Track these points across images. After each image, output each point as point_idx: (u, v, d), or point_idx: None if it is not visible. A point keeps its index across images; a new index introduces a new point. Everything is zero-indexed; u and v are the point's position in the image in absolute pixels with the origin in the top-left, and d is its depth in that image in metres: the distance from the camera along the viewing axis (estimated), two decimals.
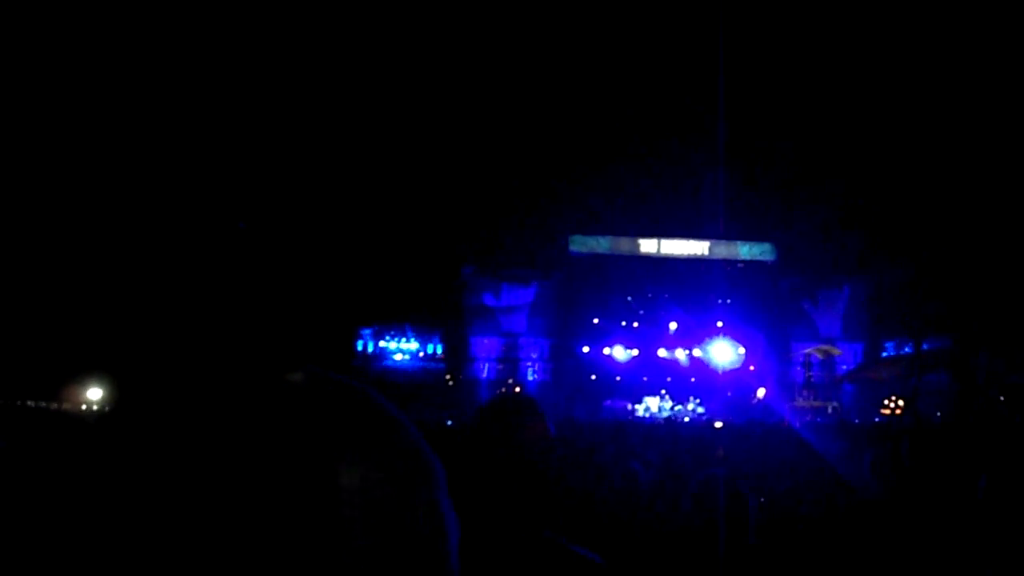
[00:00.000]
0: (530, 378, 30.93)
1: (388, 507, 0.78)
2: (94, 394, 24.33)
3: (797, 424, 17.56)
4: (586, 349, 31.77)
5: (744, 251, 32.42)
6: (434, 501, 0.83)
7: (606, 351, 31.55)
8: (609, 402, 28.66)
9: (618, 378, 30.07)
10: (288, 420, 0.77)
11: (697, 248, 32.34)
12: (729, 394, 29.54)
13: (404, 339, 31.48)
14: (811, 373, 31.07)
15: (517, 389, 26.84)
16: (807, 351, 31.04)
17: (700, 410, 28.01)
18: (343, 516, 0.75)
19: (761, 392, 29.73)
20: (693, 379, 30.16)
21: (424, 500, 0.82)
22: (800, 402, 27.96)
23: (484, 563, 2.26)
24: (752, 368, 31.43)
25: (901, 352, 29.44)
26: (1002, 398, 22.01)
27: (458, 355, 31.52)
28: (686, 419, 23.74)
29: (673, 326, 32.12)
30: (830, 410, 26.52)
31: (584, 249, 32.37)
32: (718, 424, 18.04)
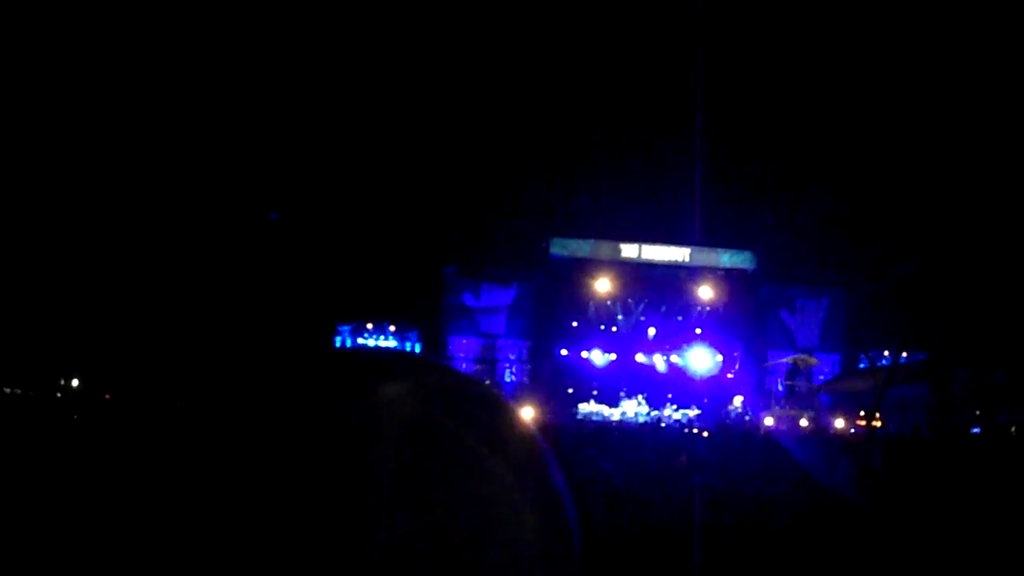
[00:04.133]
0: (508, 379, 30.89)
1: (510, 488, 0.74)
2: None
3: (775, 432, 17.63)
4: (564, 352, 31.75)
5: (724, 259, 32.47)
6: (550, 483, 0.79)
7: (584, 355, 31.56)
8: (585, 407, 28.74)
9: (595, 389, 30.03)
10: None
11: (678, 254, 32.37)
12: (706, 401, 29.60)
13: (383, 337, 31.41)
14: (795, 382, 31.15)
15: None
16: (788, 359, 31.12)
17: (677, 416, 28.05)
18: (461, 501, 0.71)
19: (738, 400, 29.80)
20: (670, 390, 30.16)
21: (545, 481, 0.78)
22: (777, 411, 28.04)
23: None
24: (730, 376, 31.51)
25: (878, 364, 29.60)
26: (977, 412, 22.15)
27: (436, 354, 31.44)
28: (662, 424, 23.80)
29: (652, 332, 32.16)
30: (806, 420, 26.58)
31: (565, 252, 32.37)
32: (695, 430, 18.09)
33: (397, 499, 0.67)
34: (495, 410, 0.79)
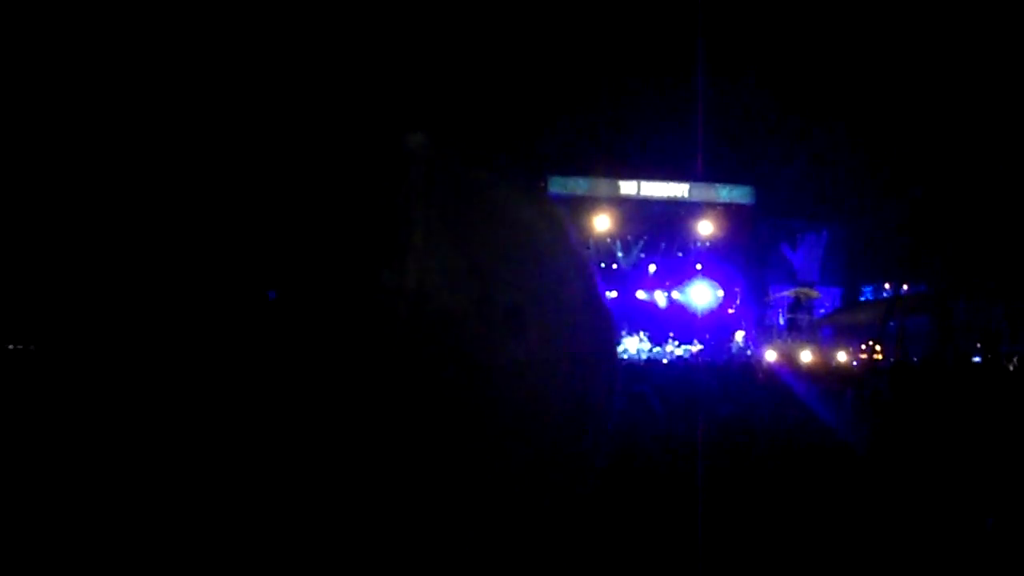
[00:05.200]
0: None
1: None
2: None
3: (777, 366, 17.66)
4: None
5: (723, 194, 32.41)
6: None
7: None
8: None
9: None
10: None
11: (676, 190, 32.30)
12: (707, 336, 29.67)
13: None
14: (795, 316, 31.25)
15: None
16: (789, 293, 31.19)
17: (679, 352, 28.11)
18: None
19: (740, 335, 29.89)
20: (672, 326, 30.19)
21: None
22: (779, 345, 28.10)
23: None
24: (731, 311, 31.58)
25: (879, 296, 29.65)
26: (978, 344, 22.21)
27: None
28: (664, 360, 23.86)
29: (652, 268, 32.19)
30: (809, 353, 26.70)
31: (563, 191, 32.25)
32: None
33: (429, 238, 0.68)
34: (534, 183, 0.79)
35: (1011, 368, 15.83)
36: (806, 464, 4.64)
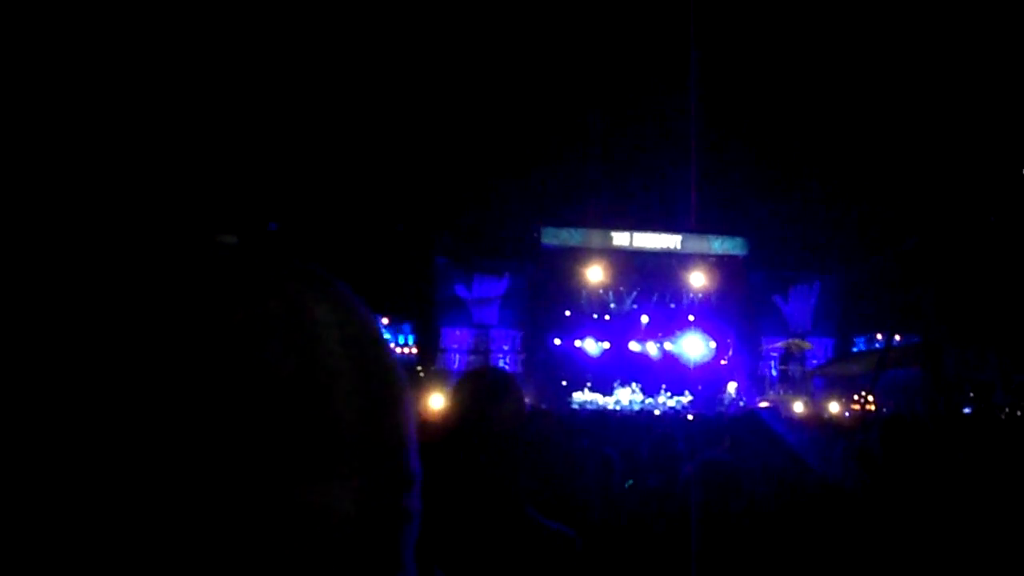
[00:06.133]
0: None
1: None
2: None
3: (769, 417, 17.58)
4: (557, 341, 31.75)
5: (716, 245, 32.50)
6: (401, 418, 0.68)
7: (577, 343, 31.57)
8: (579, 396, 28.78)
9: (589, 378, 30.02)
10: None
11: (669, 242, 32.39)
12: (700, 388, 29.63)
13: None
14: (787, 367, 31.28)
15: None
16: (781, 344, 31.22)
17: (671, 403, 28.07)
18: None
19: (732, 386, 29.85)
20: (664, 377, 30.16)
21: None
22: (771, 396, 28.07)
23: (458, 536, 2.23)
24: (723, 362, 31.56)
25: (871, 347, 29.65)
26: (972, 393, 22.20)
27: (429, 346, 31.45)
28: (656, 412, 23.82)
29: (644, 319, 32.18)
30: (801, 404, 26.66)
31: (556, 241, 32.36)
32: (690, 416, 18.07)
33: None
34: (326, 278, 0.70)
35: (1003, 418, 15.84)
36: (794, 520, 4.60)
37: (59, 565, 0.53)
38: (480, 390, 2.52)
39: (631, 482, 5.79)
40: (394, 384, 0.67)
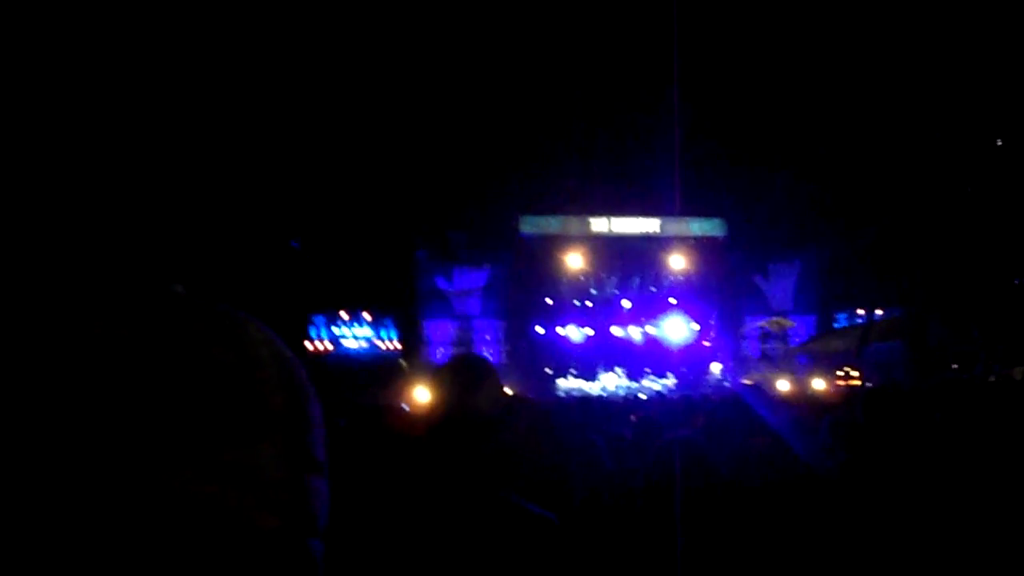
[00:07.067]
0: None
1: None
2: None
3: (753, 396, 17.61)
4: (540, 330, 31.78)
5: (694, 227, 32.54)
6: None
7: (560, 331, 31.60)
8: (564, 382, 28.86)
9: (573, 365, 30.08)
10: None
11: (648, 226, 32.43)
12: (684, 370, 29.72)
13: (357, 325, 31.33)
14: (767, 346, 31.41)
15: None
16: (764, 323, 31.33)
17: (656, 387, 28.13)
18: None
19: (716, 367, 29.94)
20: (648, 361, 30.24)
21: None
22: (755, 375, 28.14)
23: (440, 520, 2.23)
24: (706, 343, 31.66)
25: (853, 323, 29.78)
26: (955, 365, 22.31)
27: (412, 340, 31.44)
28: (642, 395, 23.85)
29: (626, 304, 32.23)
30: (786, 382, 26.76)
31: (535, 230, 32.37)
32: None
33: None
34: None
35: (990, 382, 15.91)
36: (780, 497, 4.60)
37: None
38: (458, 379, 2.52)
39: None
40: (307, 390, 0.85)
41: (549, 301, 32.17)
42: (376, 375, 26.97)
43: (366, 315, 31.52)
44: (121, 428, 0.71)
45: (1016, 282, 23.86)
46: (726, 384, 27.81)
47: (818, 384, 21.88)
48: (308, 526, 0.80)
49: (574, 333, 31.55)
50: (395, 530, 2.25)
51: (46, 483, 0.67)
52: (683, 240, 32.45)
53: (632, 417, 8.96)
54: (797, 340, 31.44)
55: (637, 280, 32.68)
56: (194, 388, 0.75)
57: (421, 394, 15.50)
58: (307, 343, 30.08)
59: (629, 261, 32.58)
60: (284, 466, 0.79)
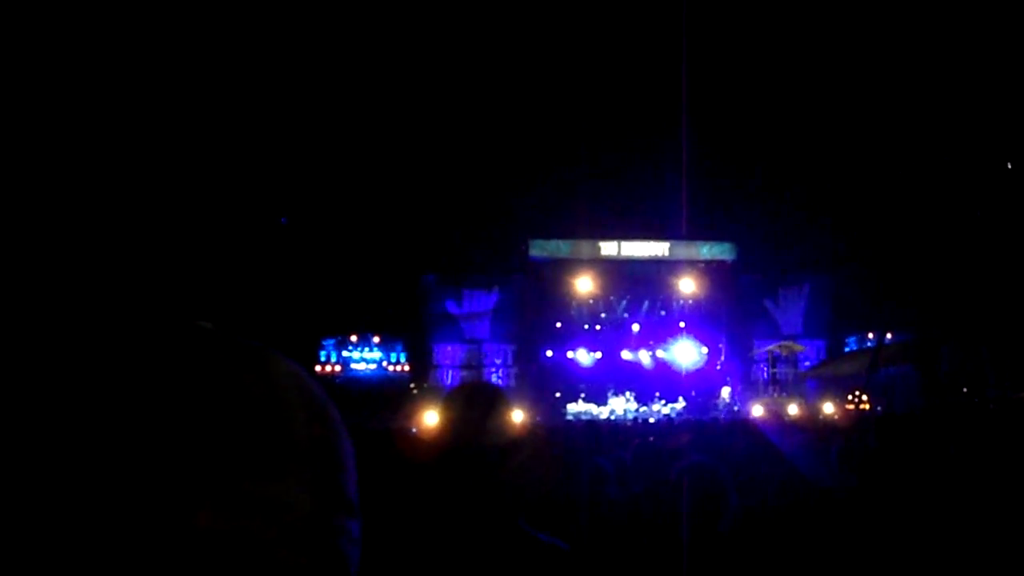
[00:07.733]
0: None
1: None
2: None
3: (762, 421, 17.59)
4: (550, 353, 31.74)
5: (704, 251, 32.53)
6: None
7: (570, 355, 31.56)
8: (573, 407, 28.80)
9: (582, 389, 30.01)
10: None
11: (657, 249, 32.42)
12: (693, 394, 29.64)
13: (367, 349, 31.32)
14: (776, 370, 31.32)
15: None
16: (770, 348, 31.24)
17: (666, 411, 28.07)
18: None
19: (725, 391, 29.85)
20: (657, 385, 30.16)
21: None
22: (765, 400, 28.07)
23: (450, 549, 2.23)
24: (716, 367, 31.57)
25: (863, 347, 29.68)
26: (965, 389, 22.22)
27: (422, 363, 31.42)
28: (651, 420, 23.80)
29: (636, 328, 32.18)
30: (796, 407, 26.68)
31: (544, 253, 32.37)
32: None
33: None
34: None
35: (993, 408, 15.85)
36: (789, 522, 4.58)
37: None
38: (468, 405, 2.51)
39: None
40: (337, 428, 0.85)
41: (558, 325, 32.15)
42: (386, 398, 26.96)
43: (376, 338, 31.52)
44: (145, 457, 0.71)
45: None
46: (736, 408, 27.73)
47: (828, 408, 21.83)
48: (337, 567, 0.79)
49: (584, 357, 31.50)
50: (405, 558, 2.24)
51: (70, 512, 0.68)
52: (693, 264, 32.43)
53: (636, 440, 8.93)
54: (807, 364, 31.35)
55: (646, 304, 32.64)
56: (218, 419, 0.75)
57: (431, 418, 15.51)
58: (317, 366, 30.10)
59: (638, 285, 32.56)
60: (311, 502, 0.77)
